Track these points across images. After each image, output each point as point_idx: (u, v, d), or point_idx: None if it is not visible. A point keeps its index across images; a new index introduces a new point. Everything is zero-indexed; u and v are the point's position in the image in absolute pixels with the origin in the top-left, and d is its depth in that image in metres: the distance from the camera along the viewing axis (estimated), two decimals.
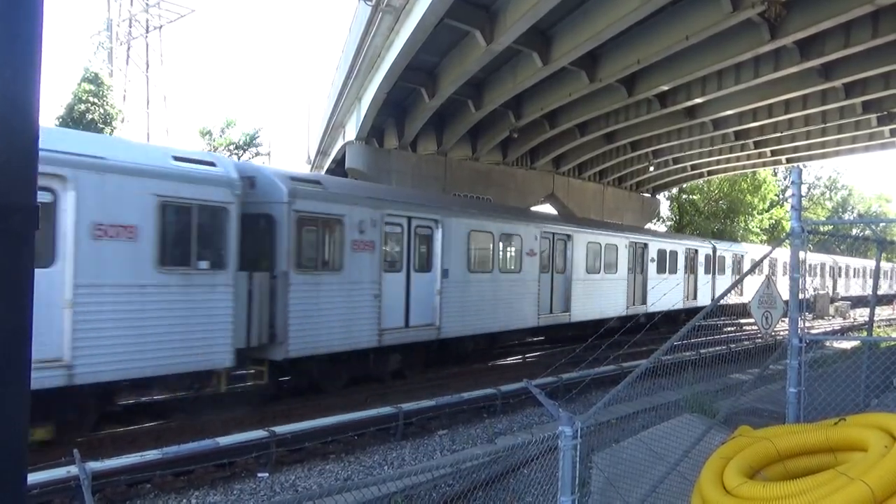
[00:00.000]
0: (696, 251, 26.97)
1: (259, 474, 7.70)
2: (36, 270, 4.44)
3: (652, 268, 23.08)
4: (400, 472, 6.86)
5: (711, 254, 28.16)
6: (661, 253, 23.93)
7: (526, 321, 16.64)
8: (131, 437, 8.92)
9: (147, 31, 40.53)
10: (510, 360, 17.21)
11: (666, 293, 20.85)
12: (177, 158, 9.44)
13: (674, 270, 24.63)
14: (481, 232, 15.20)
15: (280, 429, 8.28)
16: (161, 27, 40.93)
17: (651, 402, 9.90)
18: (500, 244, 15.94)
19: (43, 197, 7.53)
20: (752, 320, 7.66)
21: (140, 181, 8.61)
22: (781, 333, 8.64)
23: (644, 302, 21.98)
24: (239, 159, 39.34)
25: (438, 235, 13.85)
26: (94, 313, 8.12)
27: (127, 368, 8.53)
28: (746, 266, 28.74)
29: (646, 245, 23.03)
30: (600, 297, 19.53)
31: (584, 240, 19.17)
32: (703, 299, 25.58)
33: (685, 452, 5.74)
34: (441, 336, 13.83)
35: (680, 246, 25.81)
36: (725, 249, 30.01)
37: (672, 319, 20.83)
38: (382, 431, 9.39)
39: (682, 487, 5.44)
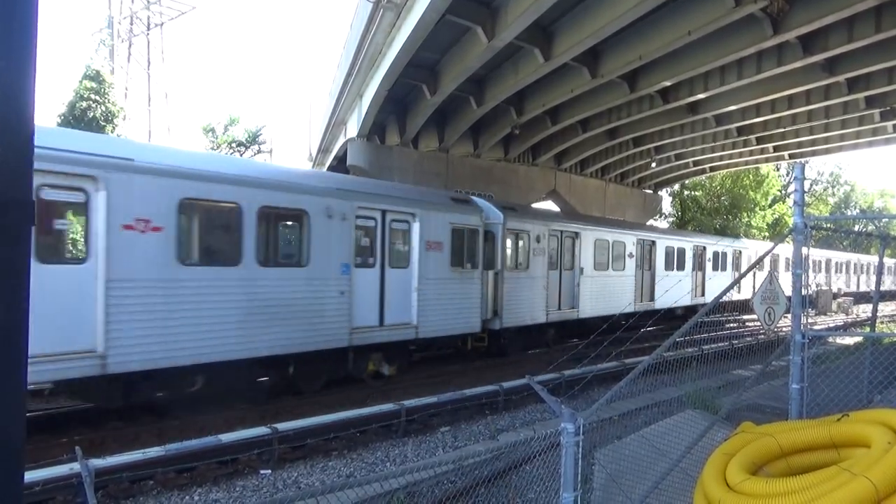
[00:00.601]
0: (740, 252, 31.18)
1: (261, 471, 7.71)
2: (398, 270, 13.14)
3: (709, 266, 27.80)
4: (402, 469, 6.85)
5: (752, 255, 31.67)
6: (715, 254, 28.51)
7: (627, 307, 20.77)
8: (134, 434, 8.93)
9: (148, 29, 40.49)
10: (513, 356, 17.20)
11: (719, 286, 24.80)
12: (453, 199, 15.08)
13: (724, 268, 29.27)
14: (602, 240, 20.22)
15: (282, 425, 8.28)
16: (162, 24, 40.91)
17: (653, 399, 9.87)
18: (613, 249, 20.87)
19: (403, 226, 12.89)
20: (754, 316, 7.65)
21: (444, 215, 13.85)
22: (784, 329, 8.63)
23: (703, 294, 26.72)
24: (241, 156, 39.37)
25: (578, 243, 19.02)
26: (426, 294, 13.14)
27: (438, 329, 13.64)
28: (782, 265, 32.10)
29: (704, 248, 27.66)
30: (674, 289, 23.07)
31: (663, 244, 24.30)
32: (745, 292, 27.37)
33: (688, 449, 5.73)
34: (579, 316, 18.93)
35: (729, 248, 30.13)
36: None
37: (722, 308, 24.95)
38: (385, 428, 9.40)
39: (684, 484, 5.43)
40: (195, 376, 9.70)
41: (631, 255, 21.61)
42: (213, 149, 41.20)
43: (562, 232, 18.33)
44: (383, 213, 12.30)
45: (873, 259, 50.04)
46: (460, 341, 15.48)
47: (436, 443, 9.17)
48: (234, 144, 42.68)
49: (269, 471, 7.73)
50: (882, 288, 9.60)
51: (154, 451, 7.11)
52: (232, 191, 9.72)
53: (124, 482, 6.90)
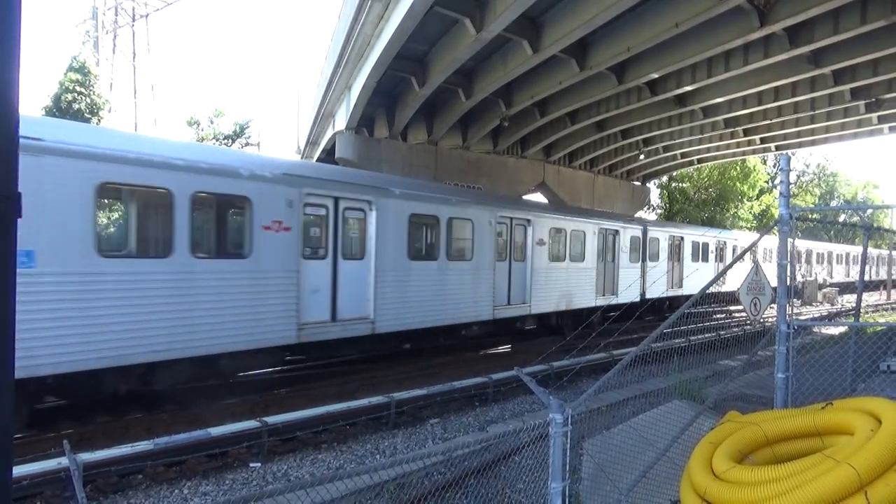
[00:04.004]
0: (725, 243, 31.69)
1: (251, 464, 7.70)
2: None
3: (688, 257, 28.91)
4: (392, 461, 6.87)
5: (737, 247, 32.73)
6: (695, 245, 29.13)
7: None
8: (123, 427, 8.88)
9: (133, 20, 40.02)
10: (501, 348, 17.28)
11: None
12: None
13: (706, 259, 30.03)
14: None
15: (272, 419, 8.28)
16: (147, 15, 40.46)
17: (641, 389, 9.96)
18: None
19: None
20: (741, 307, 7.72)
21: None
22: (770, 320, 8.71)
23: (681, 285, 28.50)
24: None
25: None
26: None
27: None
28: (814, 259, 32.36)
29: (725, 242, 30.41)
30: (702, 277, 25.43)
31: (689, 240, 27.48)
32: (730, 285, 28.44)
33: (674, 438, 5.79)
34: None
35: (712, 239, 30.69)
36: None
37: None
38: (374, 420, 9.42)
39: (671, 473, 5.50)
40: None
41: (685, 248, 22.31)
42: (198, 141, 40.85)
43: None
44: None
45: (856, 249, 50.63)
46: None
47: (425, 434, 9.21)
48: (220, 137, 42.35)
49: (259, 464, 7.72)
50: (866, 278, 9.70)
51: (143, 445, 7.09)
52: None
53: (113, 476, 6.88)
